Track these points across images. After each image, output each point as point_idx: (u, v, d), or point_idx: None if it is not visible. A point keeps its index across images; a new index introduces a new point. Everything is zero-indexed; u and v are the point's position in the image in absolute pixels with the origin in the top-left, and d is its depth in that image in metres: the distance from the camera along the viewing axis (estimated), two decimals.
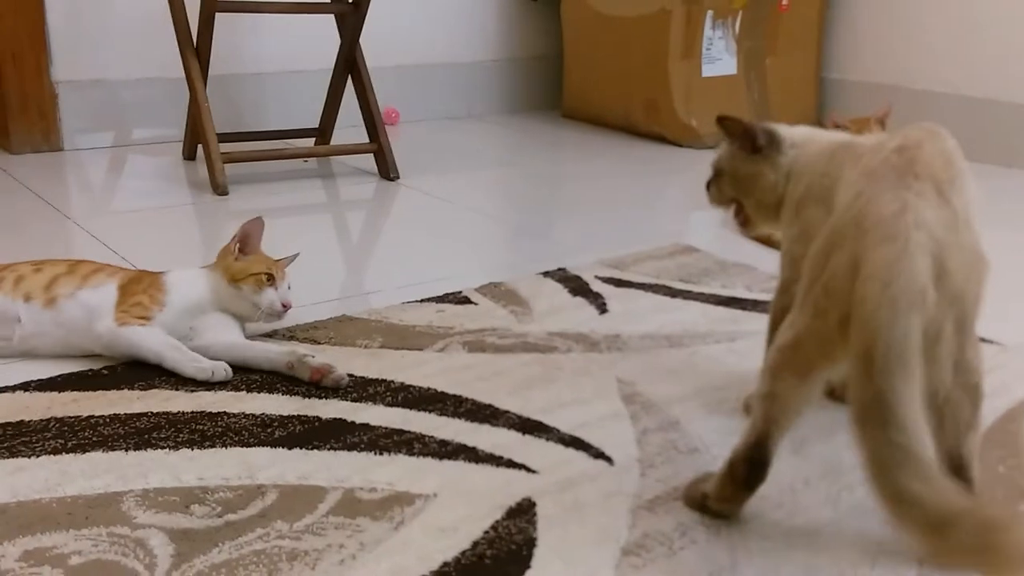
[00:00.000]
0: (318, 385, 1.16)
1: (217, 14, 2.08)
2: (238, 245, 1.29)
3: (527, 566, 0.85)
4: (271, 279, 1.26)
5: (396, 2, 2.80)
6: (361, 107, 2.30)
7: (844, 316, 0.76)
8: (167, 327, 1.21)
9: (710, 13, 2.64)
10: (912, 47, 2.67)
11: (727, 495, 0.91)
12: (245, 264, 1.27)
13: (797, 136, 1.10)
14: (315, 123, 2.44)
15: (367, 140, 2.30)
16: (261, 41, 2.65)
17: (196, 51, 2.13)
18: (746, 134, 1.10)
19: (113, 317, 1.19)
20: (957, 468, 0.84)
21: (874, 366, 0.72)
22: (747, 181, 1.12)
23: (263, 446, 1.04)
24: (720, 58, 2.69)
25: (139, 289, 1.22)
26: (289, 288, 1.29)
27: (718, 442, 1.07)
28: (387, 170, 2.26)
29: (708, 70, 2.68)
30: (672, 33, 2.63)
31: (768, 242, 1.81)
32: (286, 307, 1.27)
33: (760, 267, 1.65)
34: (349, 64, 2.30)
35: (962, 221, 0.80)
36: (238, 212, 1.94)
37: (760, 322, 1.16)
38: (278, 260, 1.31)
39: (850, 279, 0.76)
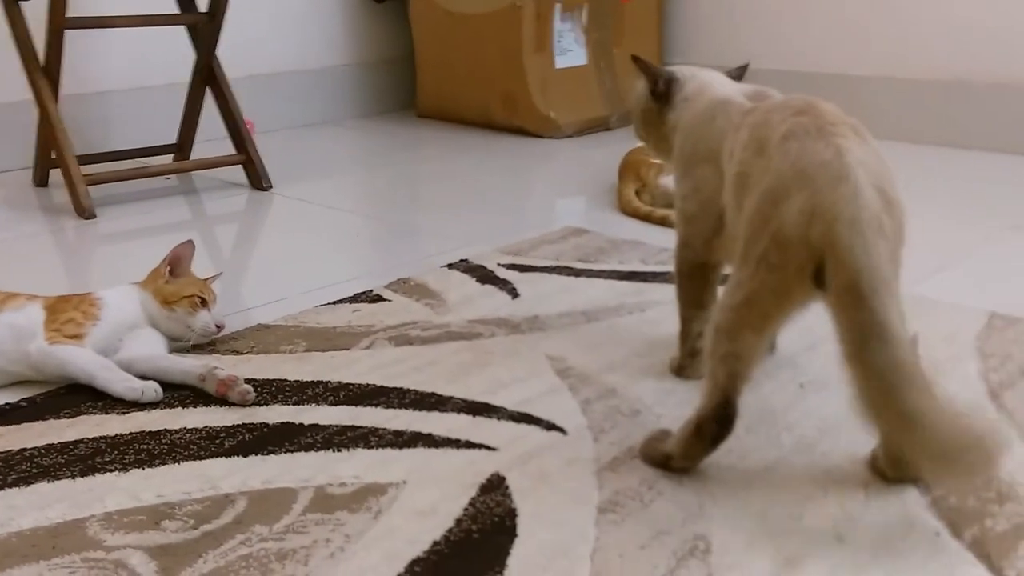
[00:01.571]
0: (225, 401, 1.13)
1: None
2: (168, 268, 1.28)
3: (514, 535, 0.88)
4: (204, 302, 1.26)
5: (242, 12, 2.74)
6: (224, 118, 2.25)
7: (802, 264, 0.83)
8: (100, 342, 1.17)
9: (558, 7, 2.73)
10: (745, 30, 2.84)
11: (694, 453, 0.95)
12: (177, 287, 1.26)
13: (690, 89, 1.16)
14: (167, 139, 2.36)
15: (233, 152, 2.25)
16: (102, 59, 2.54)
17: (44, 71, 2.02)
18: (649, 75, 1.17)
19: (44, 336, 1.14)
20: None
21: (862, 293, 0.78)
22: (646, 122, 1.20)
23: (216, 457, 1.02)
24: (571, 50, 2.78)
25: (69, 307, 1.17)
26: (219, 310, 1.30)
27: (657, 402, 1.13)
28: (259, 180, 2.22)
29: (561, 62, 2.77)
30: (524, 28, 2.69)
31: (647, 219, 1.90)
32: (220, 328, 1.28)
33: (648, 242, 1.73)
34: (207, 76, 2.25)
35: (882, 157, 0.88)
36: (110, 235, 1.86)
37: (663, 292, 1.22)
38: (206, 280, 1.31)
39: (806, 225, 0.82)
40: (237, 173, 2.28)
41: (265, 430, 1.07)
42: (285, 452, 1.03)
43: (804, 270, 0.83)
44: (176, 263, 1.29)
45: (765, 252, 0.86)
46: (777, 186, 0.86)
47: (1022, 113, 2.35)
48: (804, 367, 1.21)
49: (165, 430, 1.07)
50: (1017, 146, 2.37)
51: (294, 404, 1.13)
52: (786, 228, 0.84)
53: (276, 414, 1.11)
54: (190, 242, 1.31)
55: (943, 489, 0.92)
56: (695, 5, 2.97)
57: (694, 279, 1.15)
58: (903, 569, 0.82)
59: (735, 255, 0.93)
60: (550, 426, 1.08)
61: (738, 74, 1.22)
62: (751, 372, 0.93)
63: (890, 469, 0.93)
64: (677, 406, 1.12)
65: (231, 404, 1.12)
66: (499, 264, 1.63)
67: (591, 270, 1.59)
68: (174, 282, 1.27)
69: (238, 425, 1.08)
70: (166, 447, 1.03)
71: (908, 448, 0.79)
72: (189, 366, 1.17)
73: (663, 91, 1.18)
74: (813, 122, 0.88)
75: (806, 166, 0.84)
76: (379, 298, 1.48)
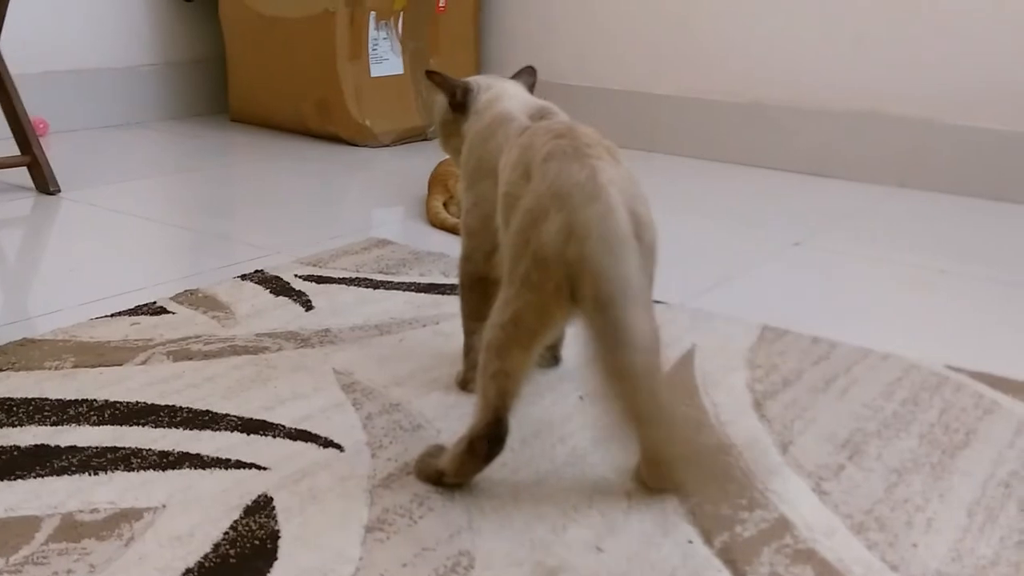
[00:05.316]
0: None
1: None
2: None
3: (274, 558, 0.85)
4: None
5: (39, 5, 2.58)
6: (7, 117, 2.10)
7: (560, 282, 0.84)
8: None
9: (373, 14, 2.70)
10: (556, 45, 2.90)
11: (466, 470, 0.95)
12: None
13: (482, 101, 1.17)
14: None
15: (17, 152, 2.11)
16: None
17: None
18: (446, 88, 1.17)
19: None
20: None
21: (606, 301, 0.80)
22: (447, 133, 1.21)
23: None
24: (387, 58, 2.76)
25: None
26: None
27: (439, 416, 1.13)
28: (45, 183, 2.09)
29: (376, 70, 2.74)
30: (338, 34, 2.65)
31: (454, 231, 1.91)
32: None
33: (452, 254, 1.73)
34: None
35: (634, 178, 0.91)
36: None
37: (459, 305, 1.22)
38: None
39: (562, 244, 0.84)
40: (23, 176, 2.13)
41: (16, 453, 1.00)
42: (35, 477, 0.96)
43: (562, 288, 0.85)
44: None
45: (527, 271, 0.88)
46: (536, 206, 0.88)
47: (813, 134, 2.51)
48: (584, 380, 1.23)
49: None
50: (805, 165, 2.52)
51: (52, 425, 1.06)
52: (544, 248, 0.86)
53: (30, 436, 1.04)
54: None
55: (675, 490, 0.95)
56: (510, 18, 3.01)
57: (476, 292, 1.15)
58: None
59: (503, 273, 0.94)
60: (327, 443, 1.06)
61: (528, 81, 1.24)
62: (521, 388, 0.94)
63: (650, 479, 0.96)
64: (459, 420, 1.12)
65: None
66: (296, 275, 1.59)
67: (390, 282, 1.58)
68: None
69: None
70: None
71: (649, 448, 0.82)
72: None
73: (460, 101, 1.19)
74: (571, 144, 0.91)
75: (562, 186, 0.86)
76: (162, 310, 1.41)
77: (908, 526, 0.93)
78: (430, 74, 1.20)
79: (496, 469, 0.99)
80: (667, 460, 0.79)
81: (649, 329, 0.84)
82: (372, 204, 2.20)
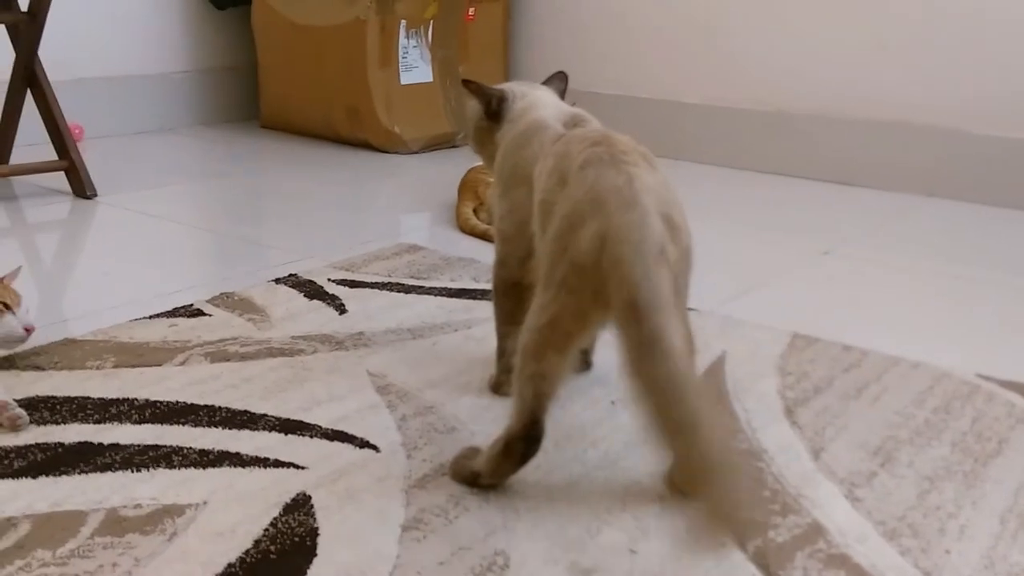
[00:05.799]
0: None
1: None
2: None
3: (313, 554, 0.87)
4: (6, 306, 1.19)
5: (73, 11, 2.63)
6: (46, 122, 2.14)
7: (597, 287, 0.85)
8: None
9: (403, 23, 2.73)
10: (584, 53, 2.92)
11: (502, 471, 0.97)
12: None
13: (517, 109, 1.19)
14: None
15: (55, 157, 2.15)
16: None
17: None
18: (482, 97, 1.19)
19: None
20: None
21: (641, 309, 0.81)
22: (480, 140, 1.22)
23: (3, 479, 0.96)
24: (417, 66, 2.79)
25: None
26: (28, 311, 1.22)
27: (473, 419, 1.14)
28: (83, 188, 2.12)
29: (406, 78, 2.77)
30: (369, 42, 2.68)
31: (484, 237, 1.92)
32: (29, 331, 1.20)
33: (482, 260, 1.75)
34: (28, 77, 2.13)
35: (669, 184, 0.92)
36: None
37: (490, 309, 1.24)
38: (2, 279, 1.23)
39: (598, 251, 0.85)
40: (60, 180, 2.17)
41: (60, 450, 1.02)
42: (79, 473, 0.98)
43: (599, 293, 0.86)
44: None
45: (565, 276, 0.89)
46: (574, 212, 0.89)
47: (840, 143, 2.51)
48: (616, 385, 1.24)
49: None
50: (833, 174, 2.52)
51: (95, 423, 1.09)
52: (581, 254, 0.87)
53: (74, 433, 1.06)
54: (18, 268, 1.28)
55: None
56: (538, 27, 3.03)
57: (510, 297, 1.17)
58: None
59: (540, 278, 0.95)
60: (363, 443, 1.07)
61: (560, 87, 1.26)
62: (557, 391, 0.95)
63: (683, 484, 0.97)
64: (492, 423, 1.13)
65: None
66: (329, 279, 1.61)
67: (422, 287, 1.60)
68: None
69: (31, 445, 1.03)
70: None
71: (683, 456, 0.82)
72: None
73: (496, 110, 1.20)
74: (607, 151, 0.92)
75: (599, 193, 0.88)
76: (199, 312, 1.44)
77: (941, 533, 0.93)
78: (466, 83, 1.21)
79: (529, 471, 1.00)
80: (701, 467, 0.80)
81: (683, 336, 0.85)
82: (402, 210, 2.22)
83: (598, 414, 1.16)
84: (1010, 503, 0.99)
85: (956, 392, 1.24)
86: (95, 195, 2.13)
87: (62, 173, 2.15)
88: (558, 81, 1.28)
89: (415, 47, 2.78)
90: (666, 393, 0.80)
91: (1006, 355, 1.40)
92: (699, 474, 0.80)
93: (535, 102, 1.20)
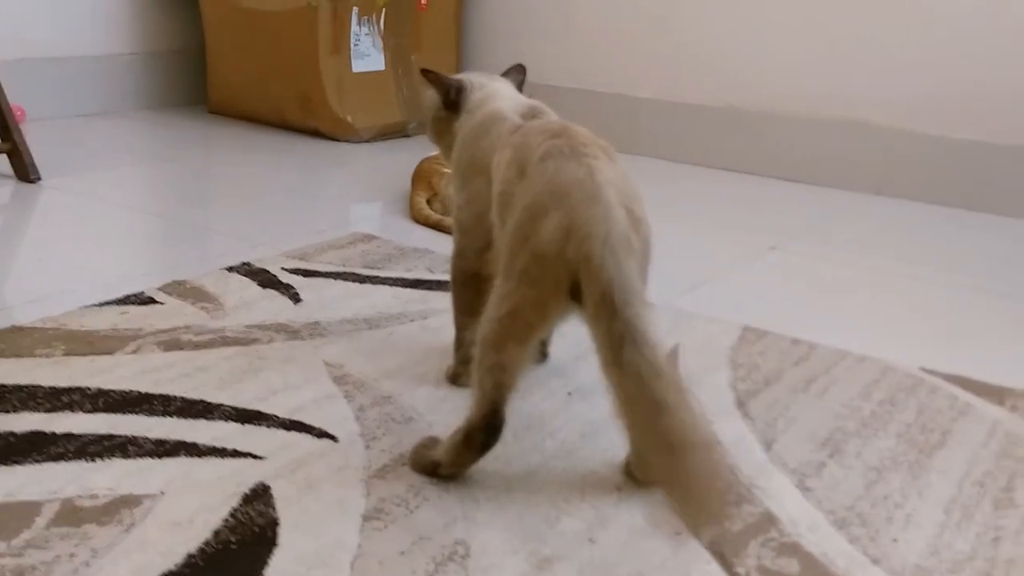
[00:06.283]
0: None
1: None
2: None
3: (274, 544, 0.87)
4: None
5: None
6: None
7: (558, 278, 0.86)
8: None
9: (355, 10, 2.71)
10: (537, 45, 2.93)
11: (462, 461, 0.97)
12: None
13: (475, 99, 1.19)
14: None
15: None
16: None
17: None
18: (440, 87, 1.19)
19: None
20: None
21: (616, 304, 0.82)
22: (438, 130, 1.22)
23: None
24: (368, 54, 2.77)
25: None
26: None
27: (430, 409, 1.15)
28: (26, 171, 2.07)
29: (358, 66, 2.75)
30: (320, 29, 2.66)
31: (438, 227, 1.92)
32: None
33: (436, 250, 1.75)
34: None
35: (629, 177, 0.94)
36: None
37: (446, 300, 1.24)
38: None
39: (562, 242, 0.86)
40: (3, 163, 2.12)
41: (12, 439, 1.01)
42: (32, 463, 0.97)
43: (561, 284, 0.87)
44: None
45: (525, 267, 0.90)
46: (535, 203, 0.90)
47: (789, 140, 2.55)
48: (573, 376, 1.26)
49: None
50: (782, 171, 2.57)
51: (46, 412, 1.07)
52: (543, 245, 0.88)
53: (25, 422, 1.04)
54: None
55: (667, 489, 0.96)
56: (491, 16, 3.03)
57: (468, 288, 1.17)
58: (645, 569, 0.87)
59: (500, 268, 0.96)
60: (322, 433, 1.07)
61: (517, 79, 1.26)
62: (517, 382, 0.96)
63: (640, 472, 0.99)
64: (450, 413, 1.14)
65: None
66: (283, 268, 1.60)
67: (376, 276, 1.59)
68: None
69: None
70: None
71: (662, 438, 0.82)
72: None
73: (454, 100, 1.20)
74: (567, 143, 0.93)
75: (560, 185, 0.89)
76: (151, 300, 1.42)
77: (888, 522, 0.96)
78: (425, 72, 1.21)
79: (489, 462, 1.01)
80: (686, 447, 0.81)
81: (654, 327, 0.86)
82: (354, 199, 2.20)
83: (555, 405, 1.18)
84: (954, 493, 1.02)
85: (901, 385, 1.28)
86: (39, 179, 2.09)
87: (4, 156, 2.10)
88: (516, 73, 1.29)
89: (367, 35, 2.76)
90: (645, 380, 0.81)
91: (949, 349, 1.44)
92: (679, 453, 0.81)
93: (493, 93, 1.20)
